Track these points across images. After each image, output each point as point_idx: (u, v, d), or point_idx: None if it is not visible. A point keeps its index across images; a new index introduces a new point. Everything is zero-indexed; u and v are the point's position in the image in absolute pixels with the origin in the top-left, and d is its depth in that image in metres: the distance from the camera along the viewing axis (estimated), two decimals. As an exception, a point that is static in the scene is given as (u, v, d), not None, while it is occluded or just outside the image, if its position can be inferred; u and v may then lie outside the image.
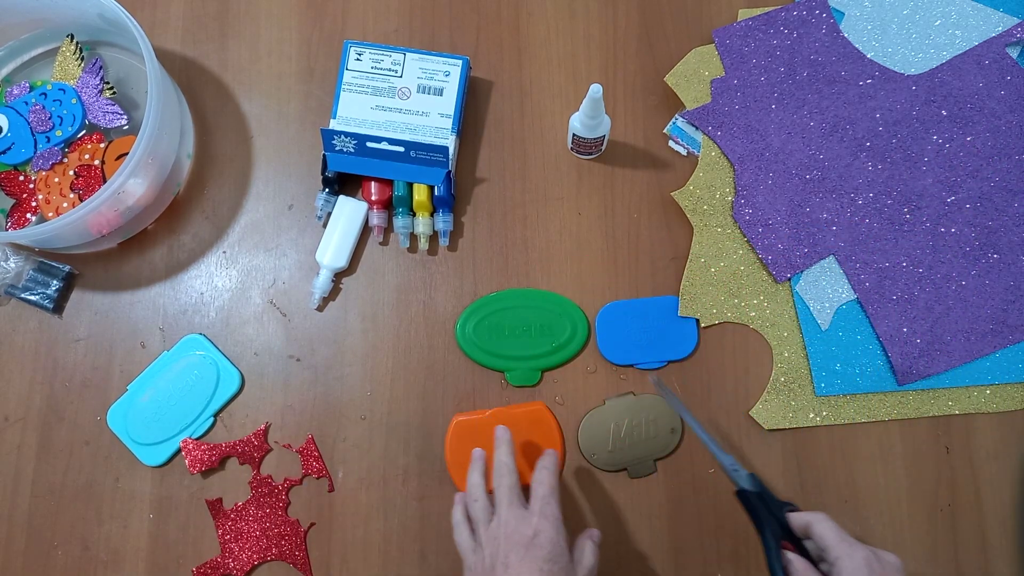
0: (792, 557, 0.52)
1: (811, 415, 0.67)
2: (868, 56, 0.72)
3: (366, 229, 0.72)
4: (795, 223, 0.69)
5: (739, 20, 0.74)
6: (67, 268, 0.71)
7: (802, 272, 0.69)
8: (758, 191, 0.70)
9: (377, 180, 0.71)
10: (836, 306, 0.68)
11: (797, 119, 0.71)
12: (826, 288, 0.69)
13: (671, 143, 0.73)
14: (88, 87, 0.72)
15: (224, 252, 0.72)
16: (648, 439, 0.67)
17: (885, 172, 0.70)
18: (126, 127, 0.72)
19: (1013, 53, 0.72)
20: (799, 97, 0.72)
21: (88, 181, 0.70)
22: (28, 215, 0.70)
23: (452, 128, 0.71)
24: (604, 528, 0.66)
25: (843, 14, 0.74)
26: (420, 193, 0.70)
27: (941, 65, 0.72)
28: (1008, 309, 0.68)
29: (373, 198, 0.71)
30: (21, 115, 0.71)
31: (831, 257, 0.69)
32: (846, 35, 0.73)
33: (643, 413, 0.67)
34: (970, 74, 0.71)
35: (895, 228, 0.69)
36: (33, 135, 0.71)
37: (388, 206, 0.72)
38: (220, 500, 0.67)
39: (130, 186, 0.65)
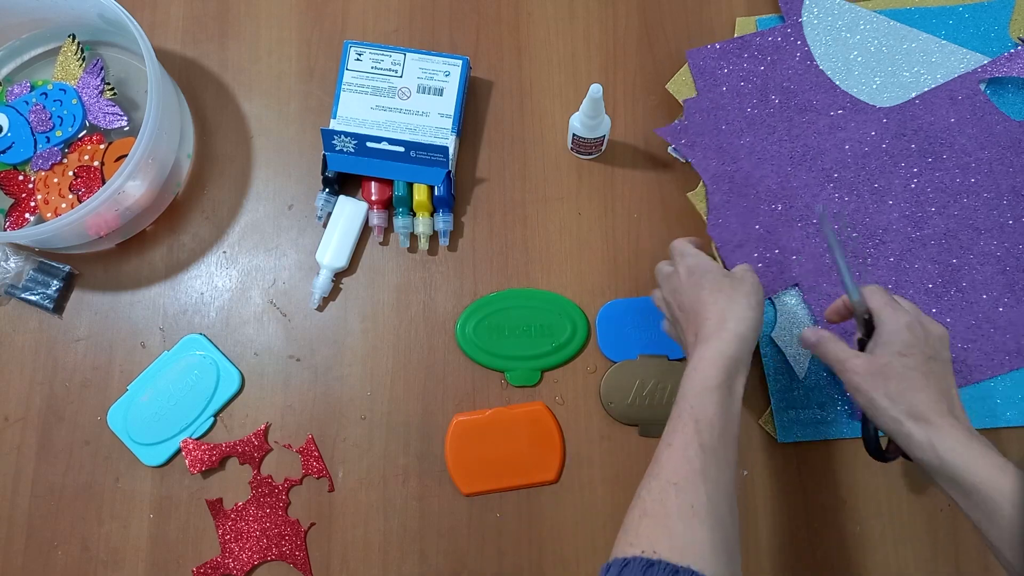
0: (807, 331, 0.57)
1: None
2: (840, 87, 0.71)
3: (366, 229, 0.72)
4: (762, 249, 0.68)
5: (715, 43, 0.73)
6: (67, 268, 0.71)
7: (777, 321, 0.68)
8: (729, 212, 0.69)
9: (377, 180, 0.71)
10: (811, 354, 0.67)
11: (767, 146, 0.70)
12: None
13: (670, 149, 0.73)
14: (89, 88, 0.72)
15: (224, 252, 0.72)
16: (668, 403, 0.66)
17: (852, 204, 0.69)
18: (126, 128, 0.72)
19: (983, 88, 0.70)
20: (770, 124, 0.71)
21: (87, 182, 0.70)
22: (26, 215, 0.70)
23: (452, 128, 0.71)
24: (605, 527, 0.66)
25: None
26: (420, 193, 0.70)
27: (913, 99, 0.70)
28: (968, 348, 0.66)
29: (373, 198, 0.71)
30: (21, 115, 0.71)
31: (804, 306, 0.68)
32: (820, 64, 0.71)
33: (671, 378, 0.67)
34: (942, 109, 0.70)
35: (859, 261, 0.68)
36: (33, 135, 0.71)
37: (388, 206, 0.72)
38: (220, 500, 0.67)
39: (129, 187, 0.65)
